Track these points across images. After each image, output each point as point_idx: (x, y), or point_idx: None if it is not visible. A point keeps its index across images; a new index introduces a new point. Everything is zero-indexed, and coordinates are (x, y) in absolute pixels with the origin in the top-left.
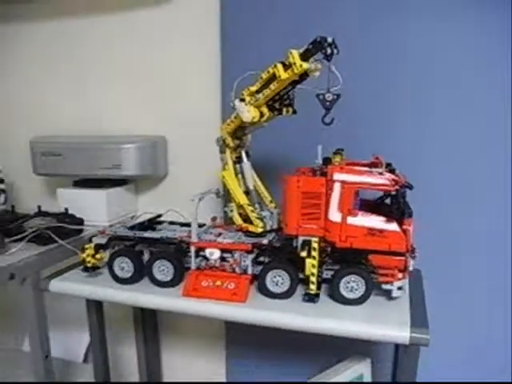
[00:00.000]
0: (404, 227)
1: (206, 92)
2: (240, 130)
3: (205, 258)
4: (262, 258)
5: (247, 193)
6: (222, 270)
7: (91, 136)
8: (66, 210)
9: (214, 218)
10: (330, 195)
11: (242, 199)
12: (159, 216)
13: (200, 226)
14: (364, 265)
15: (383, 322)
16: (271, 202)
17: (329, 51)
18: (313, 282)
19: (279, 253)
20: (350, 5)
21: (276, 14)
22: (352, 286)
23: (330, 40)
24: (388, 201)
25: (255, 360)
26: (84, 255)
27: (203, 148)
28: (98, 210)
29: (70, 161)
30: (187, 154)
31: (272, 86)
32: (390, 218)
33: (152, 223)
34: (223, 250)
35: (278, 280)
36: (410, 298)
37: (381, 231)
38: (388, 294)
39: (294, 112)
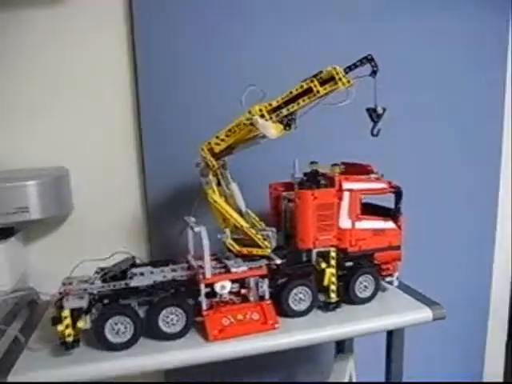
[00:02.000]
0: (399, 223)
1: (115, 110)
2: (226, 151)
3: (210, 294)
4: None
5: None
6: (232, 304)
7: None
8: None
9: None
10: (339, 204)
11: (242, 222)
12: (134, 262)
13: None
14: (367, 265)
15: (404, 309)
16: (260, 220)
17: (376, 68)
18: (333, 291)
19: (292, 270)
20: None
21: (189, 25)
22: (365, 285)
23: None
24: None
25: None
26: (61, 328)
27: (112, 179)
28: None
29: None
30: (93, 187)
31: (301, 101)
32: (385, 217)
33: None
34: (233, 281)
35: (300, 297)
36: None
37: (382, 230)
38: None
39: (295, 127)
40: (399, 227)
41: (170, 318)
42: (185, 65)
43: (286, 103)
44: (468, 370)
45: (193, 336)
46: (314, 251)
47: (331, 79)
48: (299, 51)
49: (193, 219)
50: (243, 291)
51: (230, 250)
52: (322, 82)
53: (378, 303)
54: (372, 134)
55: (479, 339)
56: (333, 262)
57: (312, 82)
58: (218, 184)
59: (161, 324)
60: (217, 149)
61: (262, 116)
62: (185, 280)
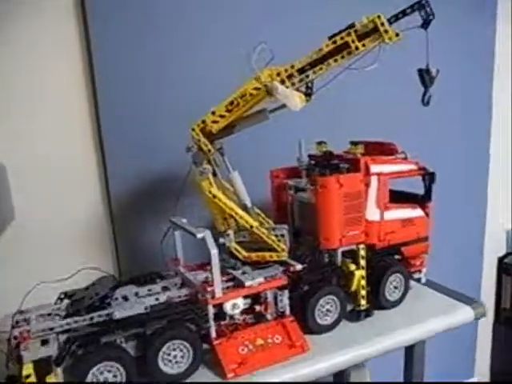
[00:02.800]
0: (427, 210)
1: (69, 99)
2: (225, 131)
3: (218, 316)
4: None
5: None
6: (245, 325)
7: None
8: None
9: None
10: (366, 192)
11: (252, 221)
12: (117, 283)
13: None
14: (396, 262)
15: (443, 310)
16: (266, 217)
17: (430, 17)
18: (363, 297)
19: (316, 276)
20: None
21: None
22: (394, 285)
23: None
24: None
25: None
26: None
27: (65, 178)
28: None
29: None
30: (39, 188)
31: (332, 62)
32: (412, 204)
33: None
34: (245, 297)
35: (327, 309)
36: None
37: (410, 220)
38: None
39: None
40: (427, 215)
41: (173, 355)
42: (145, 54)
43: (312, 65)
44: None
45: (203, 373)
46: (340, 251)
47: (372, 32)
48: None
49: (184, 220)
50: (258, 308)
51: (233, 256)
52: (360, 37)
53: (409, 306)
54: (423, 102)
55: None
56: (362, 263)
57: (349, 35)
58: (214, 174)
59: (161, 364)
60: (214, 128)
61: (282, 82)
62: (183, 300)
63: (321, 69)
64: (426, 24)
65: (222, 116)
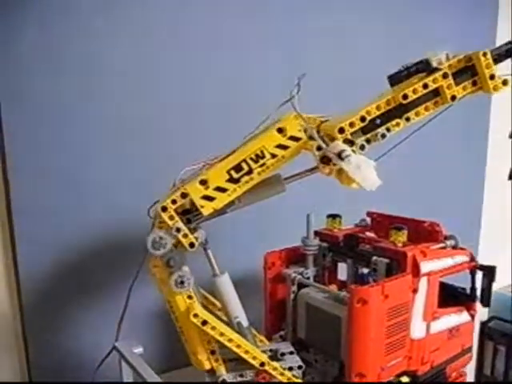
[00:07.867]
0: (472, 312)
1: None
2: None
3: None
4: None
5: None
6: None
7: None
8: None
9: None
10: (413, 301)
11: (261, 356)
12: None
13: None
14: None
15: None
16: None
17: None
18: None
19: None
20: None
21: None
22: None
23: None
24: None
25: None
26: None
27: None
28: None
29: None
30: None
31: (412, 115)
32: (458, 305)
33: None
34: None
35: None
36: None
37: (457, 329)
38: None
39: None
40: (472, 317)
41: None
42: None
43: (386, 118)
44: None
45: None
46: None
47: (464, 74)
48: None
49: (138, 350)
50: None
51: None
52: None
53: None
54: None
55: None
56: None
57: (445, 77)
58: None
59: None
60: (206, 209)
61: (349, 144)
62: None
63: (397, 125)
64: None
65: (221, 189)
